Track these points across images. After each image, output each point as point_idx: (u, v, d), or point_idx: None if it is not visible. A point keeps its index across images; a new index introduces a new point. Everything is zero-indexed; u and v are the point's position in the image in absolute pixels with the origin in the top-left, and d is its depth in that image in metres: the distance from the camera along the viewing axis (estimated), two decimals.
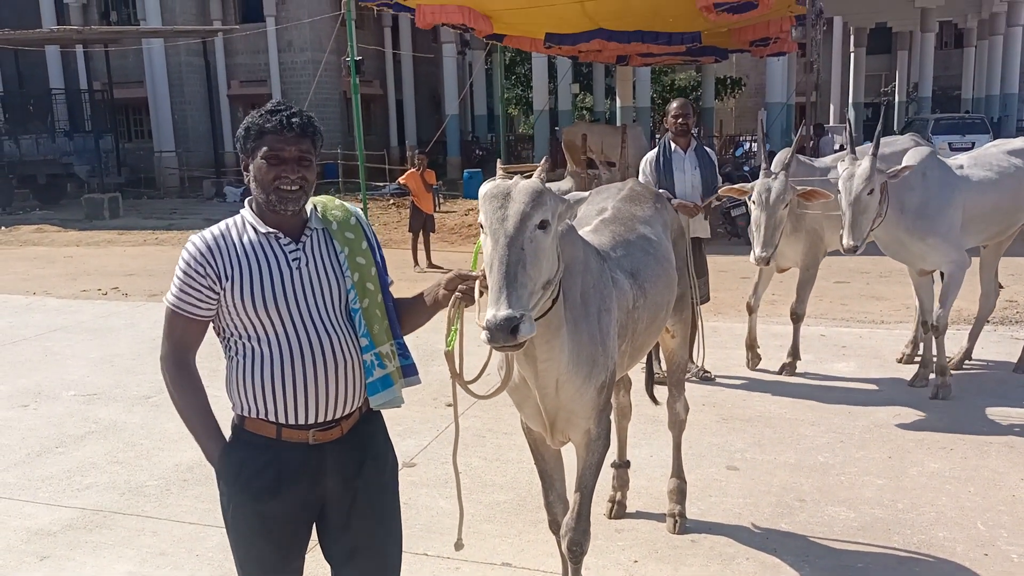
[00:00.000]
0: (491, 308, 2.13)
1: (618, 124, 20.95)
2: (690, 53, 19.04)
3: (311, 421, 2.28)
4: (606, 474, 4.22)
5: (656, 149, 6.05)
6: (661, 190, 6.19)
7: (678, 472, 4.05)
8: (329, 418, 2.30)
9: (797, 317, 6.34)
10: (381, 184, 20.75)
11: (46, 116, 23.30)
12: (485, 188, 2.37)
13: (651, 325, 3.20)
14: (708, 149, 6.11)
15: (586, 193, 2.49)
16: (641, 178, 6.29)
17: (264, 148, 2.23)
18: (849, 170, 5.12)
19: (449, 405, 5.75)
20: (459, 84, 27.70)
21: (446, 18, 14.57)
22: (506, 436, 5.11)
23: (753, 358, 6.50)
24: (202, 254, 2.25)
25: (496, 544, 3.91)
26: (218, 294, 2.24)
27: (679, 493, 4.01)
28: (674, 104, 6.08)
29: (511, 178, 2.37)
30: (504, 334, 2.09)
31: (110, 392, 6.36)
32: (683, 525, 3.96)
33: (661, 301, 3.26)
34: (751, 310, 6.50)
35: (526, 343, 2.20)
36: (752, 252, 5.52)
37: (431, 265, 11.86)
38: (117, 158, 23.96)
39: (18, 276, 12.08)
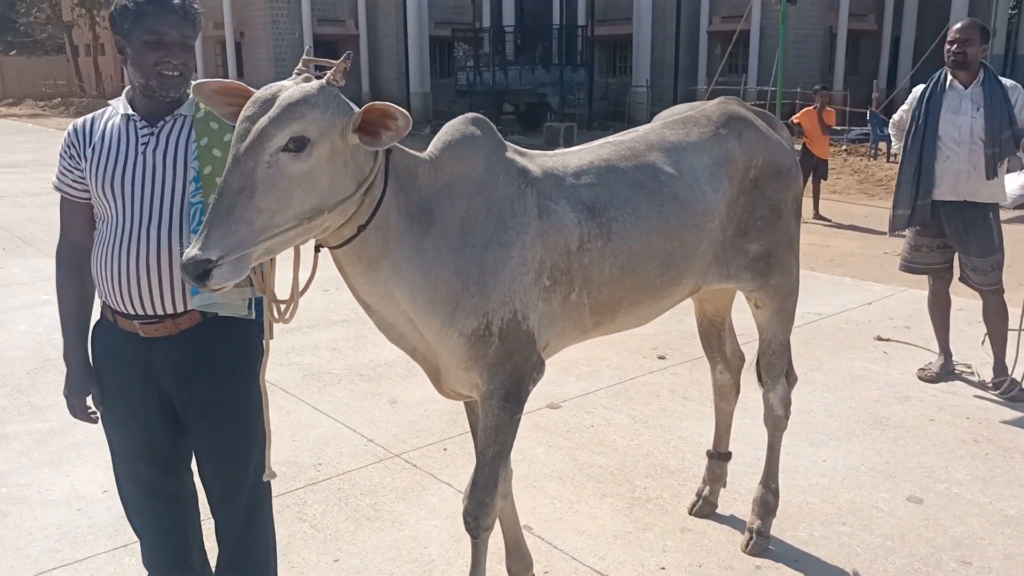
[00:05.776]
0: (192, 244, 1.77)
1: None
2: None
3: (131, 311, 2.23)
4: (699, 464, 3.47)
5: (927, 83, 4.56)
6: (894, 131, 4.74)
7: (767, 480, 3.17)
8: (151, 312, 2.22)
9: None
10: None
11: (530, 49, 25.69)
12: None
13: (628, 276, 2.47)
14: (1006, 82, 4.36)
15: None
16: (896, 115, 4.83)
17: (144, 31, 2.16)
18: None
19: None
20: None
21: None
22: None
23: None
24: (70, 136, 2.31)
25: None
26: (84, 175, 2.30)
27: (763, 506, 3.15)
28: (954, 27, 4.44)
29: (312, 76, 1.92)
30: (191, 278, 1.73)
31: None
32: (758, 546, 3.10)
33: (648, 250, 2.48)
34: None
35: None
36: None
37: (817, 216, 10.63)
38: (589, 90, 25.53)
39: None
